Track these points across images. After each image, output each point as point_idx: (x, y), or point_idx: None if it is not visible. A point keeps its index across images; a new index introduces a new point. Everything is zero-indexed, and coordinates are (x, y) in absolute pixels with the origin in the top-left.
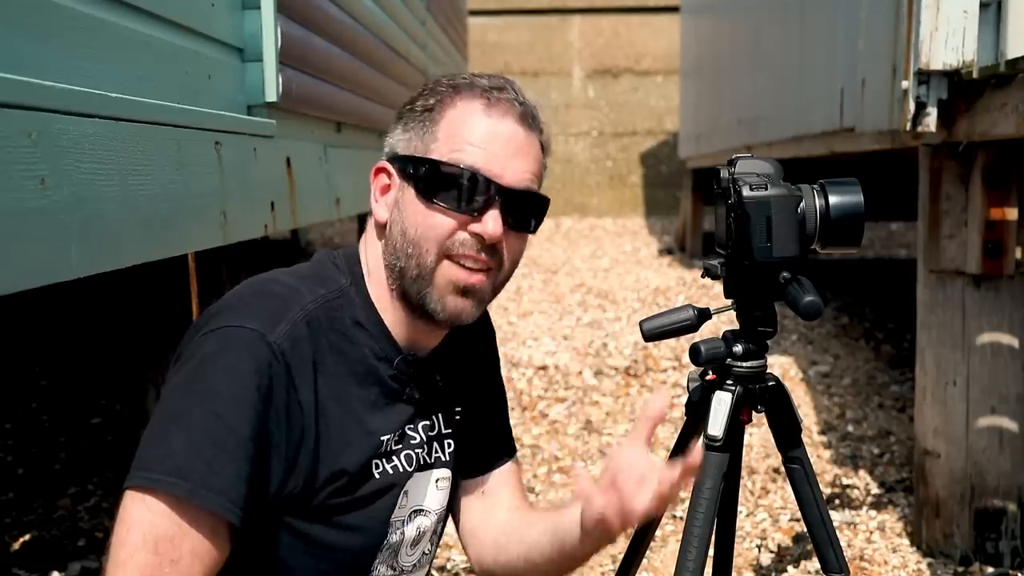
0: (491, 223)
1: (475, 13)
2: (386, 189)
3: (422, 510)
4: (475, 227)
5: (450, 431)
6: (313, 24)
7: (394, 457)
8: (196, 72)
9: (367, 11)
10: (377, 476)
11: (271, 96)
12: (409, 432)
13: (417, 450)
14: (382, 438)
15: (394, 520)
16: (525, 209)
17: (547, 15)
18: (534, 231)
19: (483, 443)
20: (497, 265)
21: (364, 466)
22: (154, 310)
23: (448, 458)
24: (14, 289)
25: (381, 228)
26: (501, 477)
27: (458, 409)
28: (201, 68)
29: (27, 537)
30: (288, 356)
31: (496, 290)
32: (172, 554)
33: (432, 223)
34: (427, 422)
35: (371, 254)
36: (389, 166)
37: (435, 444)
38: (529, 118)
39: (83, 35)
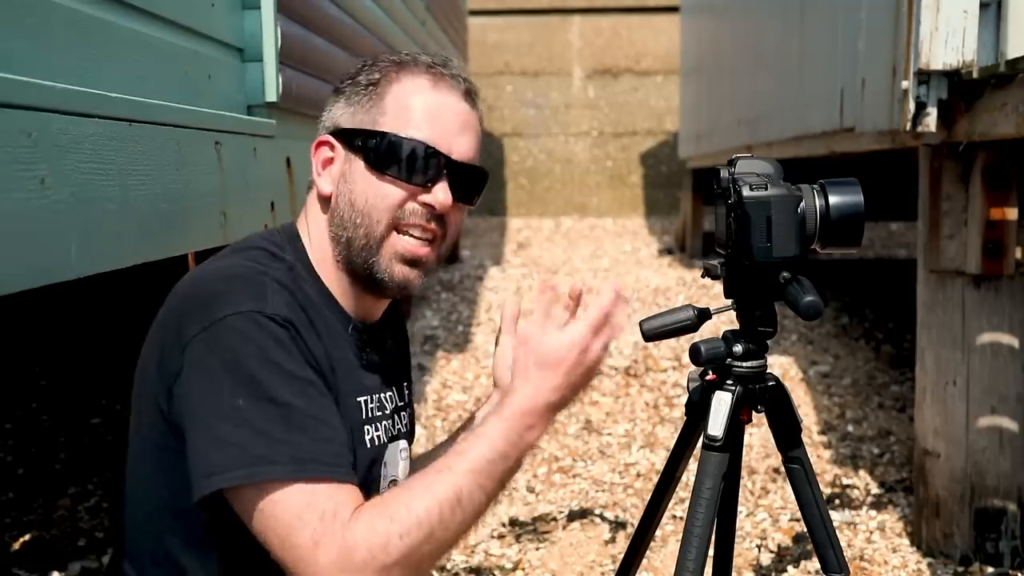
0: (441, 194)
1: (475, 13)
2: (328, 162)
3: (396, 480)
4: (425, 197)
5: (403, 403)
6: (313, 24)
7: (377, 425)
8: (196, 72)
9: (367, 11)
10: (368, 444)
11: (271, 96)
12: (382, 400)
13: (386, 421)
14: (359, 399)
15: (383, 491)
16: (470, 182)
17: (547, 15)
18: (475, 204)
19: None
20: (442, 235)
21: (358, 429)
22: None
23: (406, 429)
24: (14, 289)
25: (325, 201)
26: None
27: (406, 383)
28: (201, 68)
29: (27, 537)
30: (293, 321)
31: (439, 260)
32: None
33: (383, 193)
34: (390, 392)
35: (313, 229)
36: (332, 139)
37: (396, 416)
38: (472, 95)
39: (83, 35)
